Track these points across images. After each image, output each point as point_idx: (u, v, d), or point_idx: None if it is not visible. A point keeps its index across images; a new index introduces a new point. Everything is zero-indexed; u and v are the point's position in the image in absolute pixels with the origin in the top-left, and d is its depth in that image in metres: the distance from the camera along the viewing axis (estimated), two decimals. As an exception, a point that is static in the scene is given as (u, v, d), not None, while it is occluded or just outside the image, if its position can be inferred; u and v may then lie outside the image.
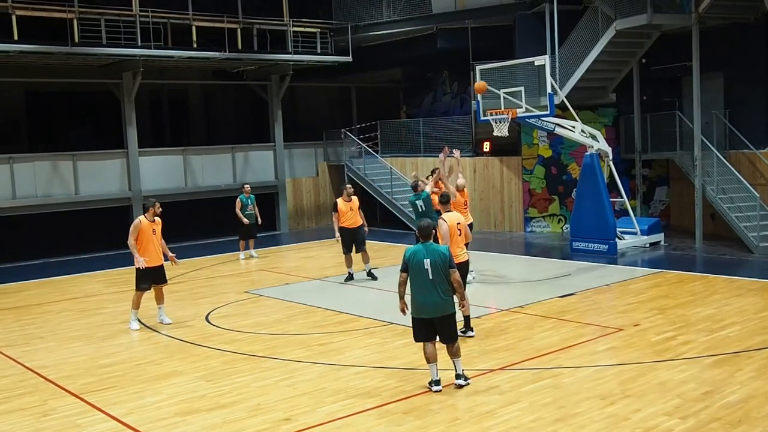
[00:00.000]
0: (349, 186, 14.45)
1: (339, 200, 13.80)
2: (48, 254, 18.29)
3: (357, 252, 13.81)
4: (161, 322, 10.88)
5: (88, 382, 8.33)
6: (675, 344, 8.74)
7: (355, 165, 22.98)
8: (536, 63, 15.67)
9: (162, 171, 20.54)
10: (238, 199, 17.15)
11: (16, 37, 16.63)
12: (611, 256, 15.24)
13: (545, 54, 16.71)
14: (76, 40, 17.44)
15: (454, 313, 7.56)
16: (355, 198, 14.03)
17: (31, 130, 21.95)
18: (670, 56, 17.52)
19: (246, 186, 17.55)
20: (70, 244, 18.89)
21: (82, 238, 19.25)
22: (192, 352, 9.38)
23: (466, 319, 9.37)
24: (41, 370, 8.83)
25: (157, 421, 7.02)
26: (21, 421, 7.17)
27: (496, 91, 16.05)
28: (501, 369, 8.10)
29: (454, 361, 7.59)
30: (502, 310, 10.93)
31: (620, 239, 15.78)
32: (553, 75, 16.19)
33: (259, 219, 17.44)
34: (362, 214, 14.00)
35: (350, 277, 13.78)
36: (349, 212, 13.73)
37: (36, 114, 21.49)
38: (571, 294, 11.82)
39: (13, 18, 16.56)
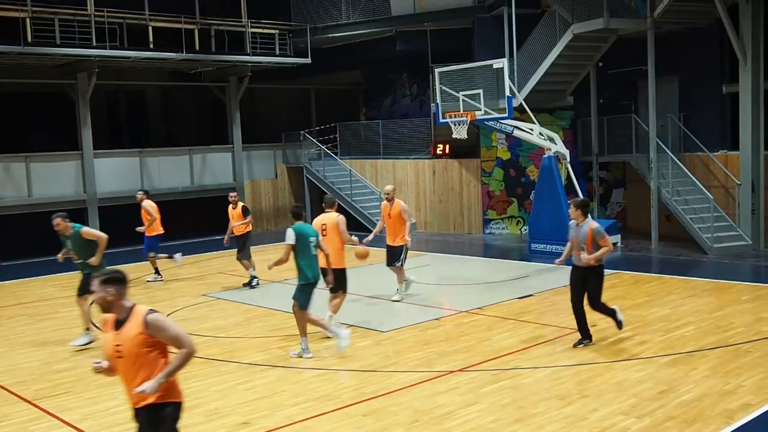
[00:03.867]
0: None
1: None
2: (-2, 258, 17.80)
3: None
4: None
5: (42, 388, 8.12)
6: (631, 344, 8.87)
7: (314, 167, 22.88)
8: (495, 66, 15.83)
9: (118, 173, 20.19)
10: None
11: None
12: (569, 258, 15.39)
13: (504, 57, 16.90)
14: (30, 39, 17.04)
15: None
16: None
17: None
18: (627, 60, 17.84)
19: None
20: (23, 247, 18.41)
21: (36, 241, 18.75)
22: (148, 357, 9.17)
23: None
24: (-10, 378, 8.58)
25: (113, 427, 6.86)
26: (-32, 431, 6.95)
27: (455, 93, 16.15)
28: (460, 370, 8.12)
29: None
30: (461, 312, 10.97)
31: (578, 241, 15.97)
32: (511, 78, 16.37)
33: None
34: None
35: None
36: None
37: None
38: (530, 295, 11.93)
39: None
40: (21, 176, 18.49)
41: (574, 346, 8.72)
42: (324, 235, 9.54)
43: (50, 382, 8.34)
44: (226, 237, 14.05)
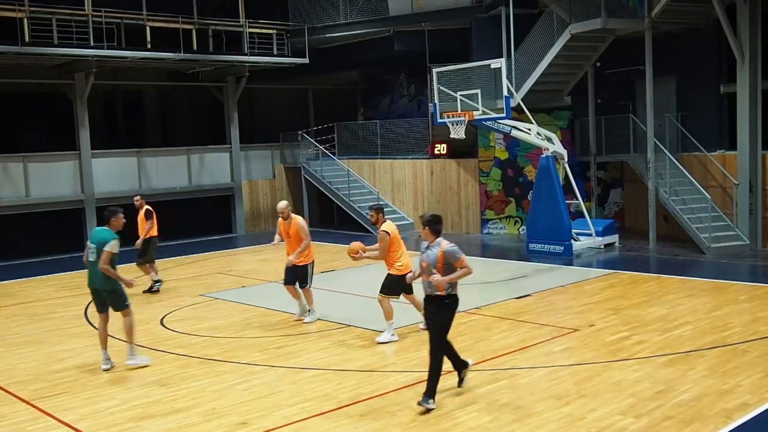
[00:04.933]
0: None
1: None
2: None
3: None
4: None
5: (40, 388, 8.10)
6: (629, 344, 8.87)
7: (312, 167, 22.88)
8: (492, 66, 15.84)
9: (115, 173, 20.17)
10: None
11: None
12: (567, 258, 15.43)
13: (501, 57, 16.90)
14: (27, 39, 17.02)
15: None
16: None
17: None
18: (624, 60, 17.85)
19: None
20: (21, 247, 18.38)
21: (33, 241, 18.74)
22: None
23: None
24: (-12, 378, 8.56)
25: (110, 427, 6.85)
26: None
27: (453, 93, 16.15)
28: (458, 370, 8.10)
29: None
30: (459, 312, 10.92)
31: (575, 241, 16.00)
32: (509, 78, 16.37)
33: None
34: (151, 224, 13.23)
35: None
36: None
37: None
38: (528, 295, 11.93)
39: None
40: (18, 176, 18.46)
41: (458, 386, 7.46)
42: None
43: (48, 382, 8.32)
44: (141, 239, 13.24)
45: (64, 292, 13.66)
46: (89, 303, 12.59)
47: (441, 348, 7.03)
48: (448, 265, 6.93)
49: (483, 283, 13.56)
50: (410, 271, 8.83)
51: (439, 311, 7.03)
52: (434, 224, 7.14)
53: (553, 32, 17.17)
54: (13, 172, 18.38)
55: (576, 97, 18.93)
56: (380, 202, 10.06)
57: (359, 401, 7.25)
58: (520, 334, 9.56)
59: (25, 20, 16.95)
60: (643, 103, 16.98)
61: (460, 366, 7.47)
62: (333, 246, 18.85)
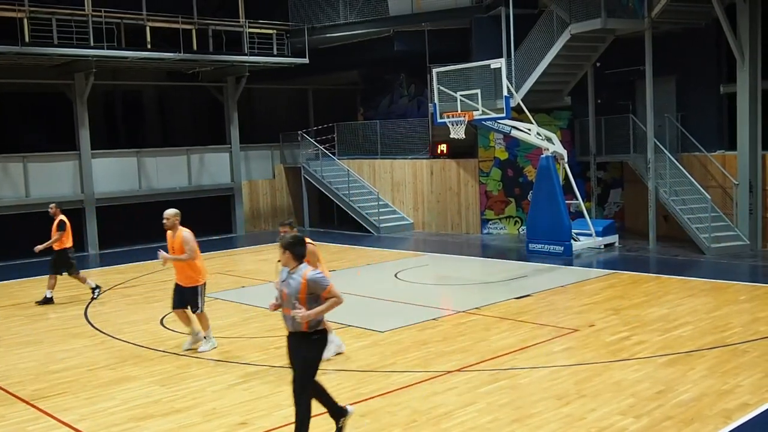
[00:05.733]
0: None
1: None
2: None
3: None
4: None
5: (39, 389, 8.09)
6: (629, 344, 8.87)
7: (311, 167, 22.88)
8: (492, 66, 15.84)
9: (115, 173, 20.16)
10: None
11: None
12: (567, 258, 15.43)
13: (501, 57, 16.89)
14: (27, 39, 17.01)
15: None
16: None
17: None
18: (624, 60, 17.85)
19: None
20: (20, 247, 18.34)
21: (33, 241, 18.69)
22: (146, 357, 9.18)
23: None
24: (-13, 378, 8.56)
25: (110, 427, 6.85)
26: (-35, 431, 6.93)
27: (453, 93, 16.15)
28: (458, 370, 8.11)
29: None
30: (459, 312, 10.96)
31: (575, 241, 16.00)
32: (509, 78, 16.37)
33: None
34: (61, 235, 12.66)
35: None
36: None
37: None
38: (528, 295, 11.92)
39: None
40: (18, 176, 18.46)
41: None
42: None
43: (47, 382, 8.32)
44: (42, 246, 12.77)
45: (64, 293, 13.63)
46: (89, 303, 12.61)
47: (308, 394, 6.00)
48: (313, 295, 5.84)
49: (483, 283, 13.58)
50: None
51: (305, 351, 5.93)
52: (296, 247, 5.92)
53: (553, 32, 17.17)
54: (12, 172, 18.38)
55: (576, 97, 18.93)
56: (288, 219, 8.87)
57: (359, 401, 7.24)
58: (520, 334, 9.56)
59: (25, 20, 16.95)
60: (643, 103, 16.98)
61: (338, 414, 6.31)
62: (333, 246, 18.87)
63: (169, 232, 9.35)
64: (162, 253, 9.20)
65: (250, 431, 6.65)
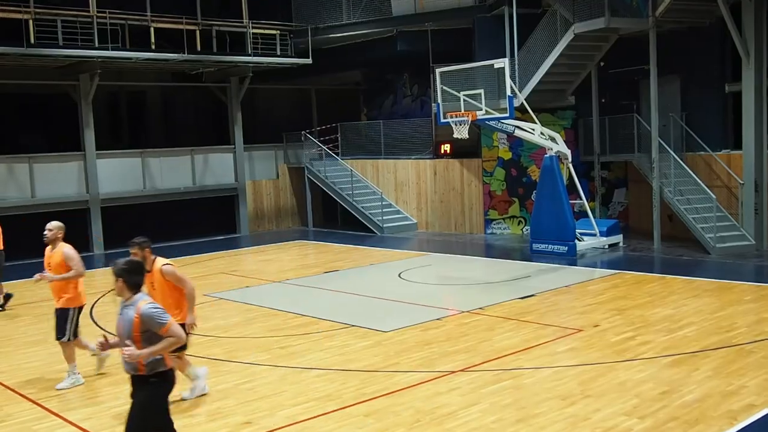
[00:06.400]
0: None
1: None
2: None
3: None
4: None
5: (45, 388, 8.12)
6: (634, 344, 8.85)
7: (315, 167, 22.89)
8: (496, 66, 15.80)
9: (120, 173, 20.20)
10: None
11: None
12: (571, 258, 15.41)
13: (505, 57, 16.88)
14: (32, 41, 17.06)
15: None
16: None
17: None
18: (628, 59, 17.82)
19: None
20: (25, 247, 18.40)
21: (38, 241, 18.74)
22: (149, 358, 9.19)
23: None
24: (-7, 378, 8.59)
25: (115, 426, 6.85)
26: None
27: (456, 93, 16.14)
28: (462, 370, 8.11)
29: None
30: (463, 312, 10.96)
31: (579, 241, 15.97)
32: (512, 78, 16.35)
33: None
34: None
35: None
36: None
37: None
38: (532, 295, 11.91)
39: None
40: (24, 177, 18.51)
41: None
42: None
43: (53, 381, 8.33)
44: None
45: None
46: (95, 302, 12.64)
47: None
48: (148, 333, 4.94)
49: (487, 284, 13.57)
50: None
51: (142, 397, 5.05)
52: (130, 275, 5.07)
53: (557, 32, 17.15)
54: (18, 172, 18.43)
55: (580, 96, 18.90)
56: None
57: (363, 401, 7.25)
58: (524, 334, 9.55)
59: (31, 21, 16.99)
60: (647, 103, 16.94)
61: None
62: (337, 246, 18.88)
63: (48, 248, 8.50)
64: (44, 275, 8.33)
65: (254, 431, 6.66)
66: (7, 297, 12.90)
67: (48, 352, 9.61)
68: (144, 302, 5.01)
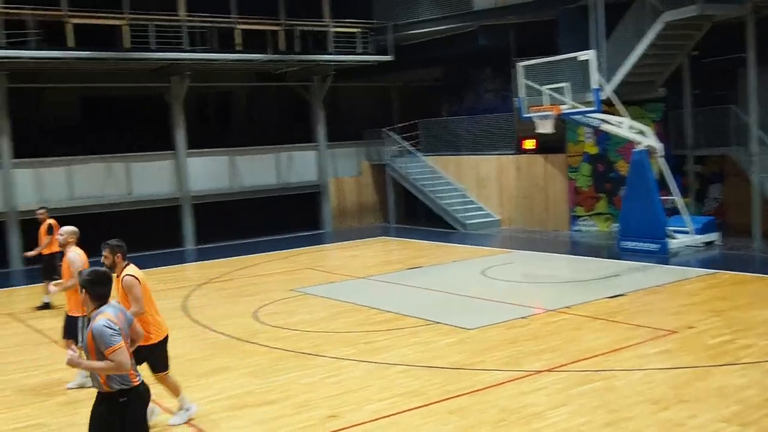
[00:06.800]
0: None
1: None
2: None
3: None
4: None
5: (143, 376, 8.39)
6: (733, 348, 8.44)
7: (396, 164, 22.96)
8: (581, 58, 15.39)
9: (208, 171, 20.83)
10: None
11: (71, 45, 17.07)
12: (662, 256, 14.86)
13: (590, 48, 16.42)
14: (127, 45, 17.80)
15: None
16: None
17: (86, 134, 22.47)
18: (724, 48, 16.99)
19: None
20: (126, 241, 19.12)
21: (135, 238, 19.48)
22: (240, 349, 9.45)
23: None
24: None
25: (208, 415, 7.09)
26: (84, 412, 7.28)
27: (539, 87, 15.83)
28: (548, 370, 7.95)
29: None
30: (548, 311, 10.75)
31: (672, 238, 15.36)
32: (599, 70, 15.88)
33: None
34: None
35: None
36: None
37: (90, 118, 21.98)
38: (621, 294, 11.54)
39: (69, 26, 16.99)
40: (121, 175, 19.35)
41: None
42: None
43: (149, 370, 8.62)
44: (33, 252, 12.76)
45: (161, 286, 14.18)
46: (187, 296, 13.08)
47: None
48: (98, 349, 4.57)
49: (573, 282, 13.27)
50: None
51: (108, 418, 4.63)
52: (94, 286, 4.70)
53: (645, 21, 16.53)
54: (116, 172, 19.28)
55: (670, 88, 18.20)
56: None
57: (448, 398, 7.21)
58: (613, 334, 9.27)
59: (126, 27, 17.73)
60: (745, 93, 16.13)
61: None
62: (419, 243, 18.88)
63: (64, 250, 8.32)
64: (50, 287, 8.37)
65: (340, 424, 6.73)
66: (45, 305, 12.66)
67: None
68: (102, 316, 4.60)
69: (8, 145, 17.69)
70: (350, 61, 21.68)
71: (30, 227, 15.73)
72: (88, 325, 4.68)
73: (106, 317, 4.60)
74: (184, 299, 12.87)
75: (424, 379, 7.89)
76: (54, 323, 11.43)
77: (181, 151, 20.09)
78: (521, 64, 16.33)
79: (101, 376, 4.55)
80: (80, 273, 4.84)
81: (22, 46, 16.72)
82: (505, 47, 20.10)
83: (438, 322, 10.19)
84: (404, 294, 12.73)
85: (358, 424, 6.70)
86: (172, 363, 8.83)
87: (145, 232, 19.71)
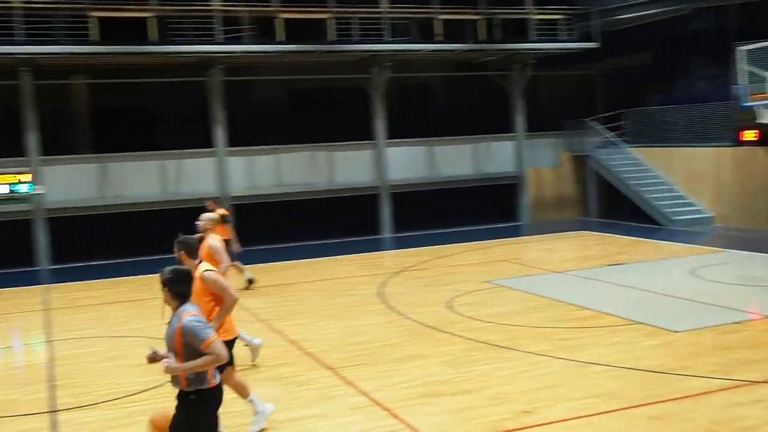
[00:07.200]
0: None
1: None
2: (307, 238, 19.68)
3: None
4: None
5: (341, 358, 8.88)
6: None
7: (599, 155, 22.04)
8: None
9: (406, 161, 21.35)
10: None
11: (281, 39, 18.29)
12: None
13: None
14: (332, 38, 18.71)
15: None
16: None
17: (293, 124, 24.04)
18: None
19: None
20: (328, 228, 20.20)
21: (337, 223, 20.52)
22: (434, 337, 9.62)
23: None
24: (301, 343, 9.62)
25: (403, 400, 7.29)
26: (284, 389, 7.86)
27: (764, 73, 14.44)
28: (765, 382, 7.27)
29: None
30: (747, 320, 9.79)
31: None
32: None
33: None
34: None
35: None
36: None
37: (296, 109, 23.43)
38: None
39: (279, 21, 18.22)
40: (325, 164, 20.43)
41: None
42: None
43: (347, 353, 9.09)
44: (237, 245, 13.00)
45: (364, 271, 14.81)
46: (384, 283, 13.57)
47: None
48: (190, 346, 4.57)
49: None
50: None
51: (178, 415, 4.68)
52: (176, 284, 4.70)
53: None
54: (320, 160, 20.40)
55: None
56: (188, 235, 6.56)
57: (650, 403, 6.85)
58: None
59: (332, 21, 18.64)
60: None
61: None
62: (621, 238, 18.05)
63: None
64: None
65: (534, 420, 6.64)
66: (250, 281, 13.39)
67: (344, 325, 10.54)
68: (187, 314, 4.63)
69: (223, 134, 19.25)
70: (553, 49, 21.13)
71: (241, 212, 17.14)
72: (170, 325, 4.69)
73: (190, 313, 4.63)
74: (380, 286, 13.33)
75: (625, 380, 7.55)
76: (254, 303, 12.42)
77: (380, 140, 20.78)
78: (743, 48, 15.00)
79: (182, 376, 4.59)
80: (162, 271, 4.76)
81: (236, 41, 18.10)
82: (723, 30, 18.51)
83: (641, 323, 9.69)
84: (604, 291, 12.24)
85: (554, 422, 6.56)
86: (368, 347, 9.19)
87: (344, 219, 20.74)
